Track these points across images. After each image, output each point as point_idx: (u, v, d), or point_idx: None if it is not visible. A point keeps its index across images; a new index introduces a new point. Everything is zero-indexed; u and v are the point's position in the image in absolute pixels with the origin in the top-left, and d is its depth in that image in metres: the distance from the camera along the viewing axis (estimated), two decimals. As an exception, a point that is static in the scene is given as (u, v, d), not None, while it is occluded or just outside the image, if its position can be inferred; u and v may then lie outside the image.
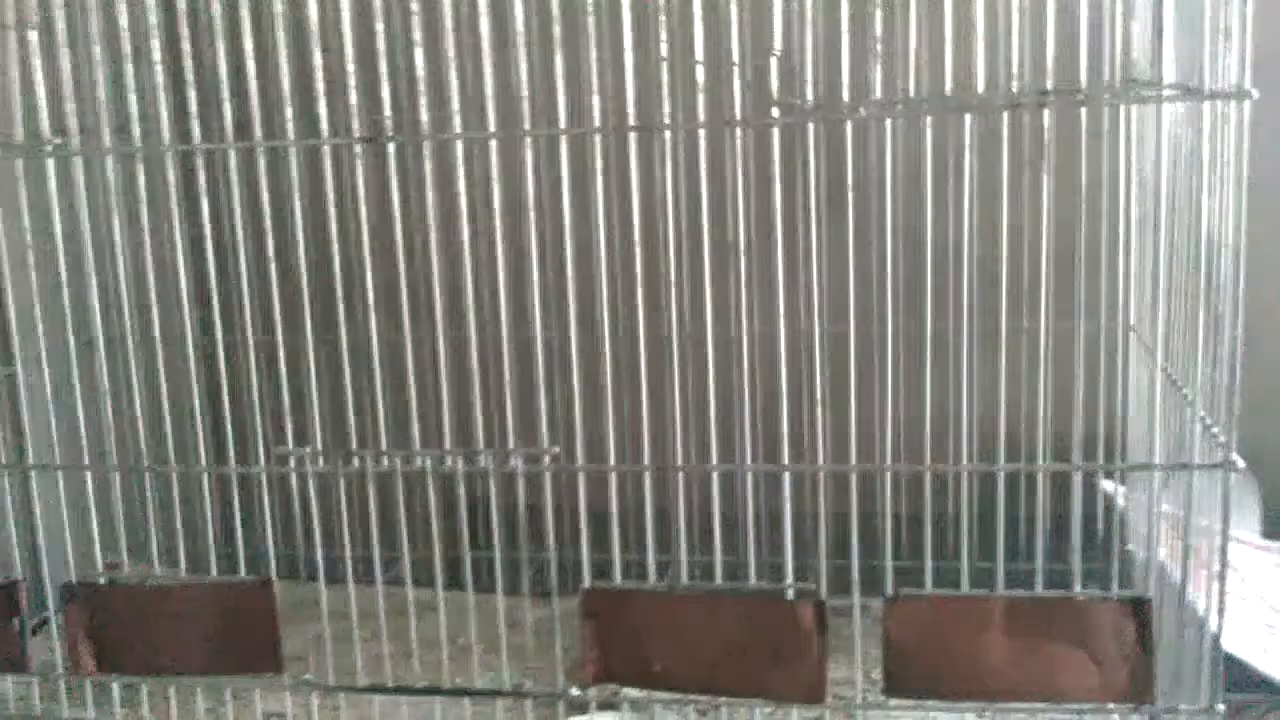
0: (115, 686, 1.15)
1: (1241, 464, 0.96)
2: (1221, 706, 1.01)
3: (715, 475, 1.03)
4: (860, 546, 1.02)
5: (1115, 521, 1.35)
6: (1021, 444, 1.17)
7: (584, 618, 1.04)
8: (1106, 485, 1.44)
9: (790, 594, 1.02)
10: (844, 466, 1.02)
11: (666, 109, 0.97)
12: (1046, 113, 0.91)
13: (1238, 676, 1.23)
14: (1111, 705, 1.00)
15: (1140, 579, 1.14)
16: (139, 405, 1.11)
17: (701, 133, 0.98)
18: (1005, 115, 1.05)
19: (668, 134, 0.97)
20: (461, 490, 1.07)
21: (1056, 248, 1.00)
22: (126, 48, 1.04)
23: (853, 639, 1.04)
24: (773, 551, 1.07)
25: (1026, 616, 0.99)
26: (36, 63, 1.05)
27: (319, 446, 1.06)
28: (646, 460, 1.03)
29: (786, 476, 1.02)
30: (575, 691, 1.07)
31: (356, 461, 1.05)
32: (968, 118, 0.93)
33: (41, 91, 1.04)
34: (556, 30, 0.99)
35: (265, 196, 1.05)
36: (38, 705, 1.17)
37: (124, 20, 1.05)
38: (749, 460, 1.02)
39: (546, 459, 1.04)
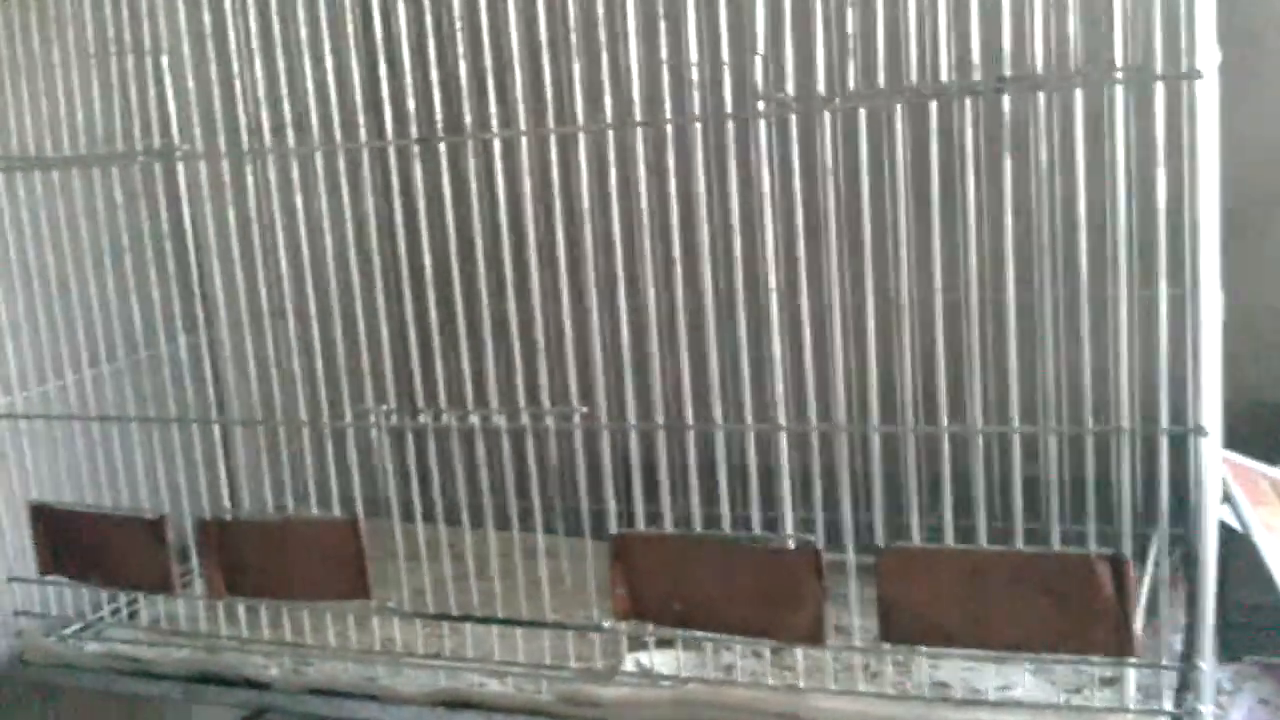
0: (241, 607, 1.36)
1: (1210, 430, 0.99)
2: (1204, 664, 1.05)
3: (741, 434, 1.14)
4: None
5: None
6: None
7: (612, 559, 1.17)
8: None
9: (791, 544, 1.11)
10: (816, 425, 1.11)
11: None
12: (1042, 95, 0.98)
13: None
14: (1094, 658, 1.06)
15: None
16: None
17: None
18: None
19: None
20: (523, 446, 1.22)
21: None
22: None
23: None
24: (806, 507, 1.17)
25: (1006, 570, 1.05)
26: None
27: (392, 404, 1.23)
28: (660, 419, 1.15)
29: (783, 436, 1.11)
30: (607, 625, 1.20)
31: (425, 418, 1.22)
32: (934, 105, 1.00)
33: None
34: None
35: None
36: (182, 620, 1.39)
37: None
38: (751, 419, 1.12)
39: (577, 417, 1.17)
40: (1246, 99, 1.33)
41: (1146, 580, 1.17)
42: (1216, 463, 1.05)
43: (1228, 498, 1.45)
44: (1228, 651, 1.35)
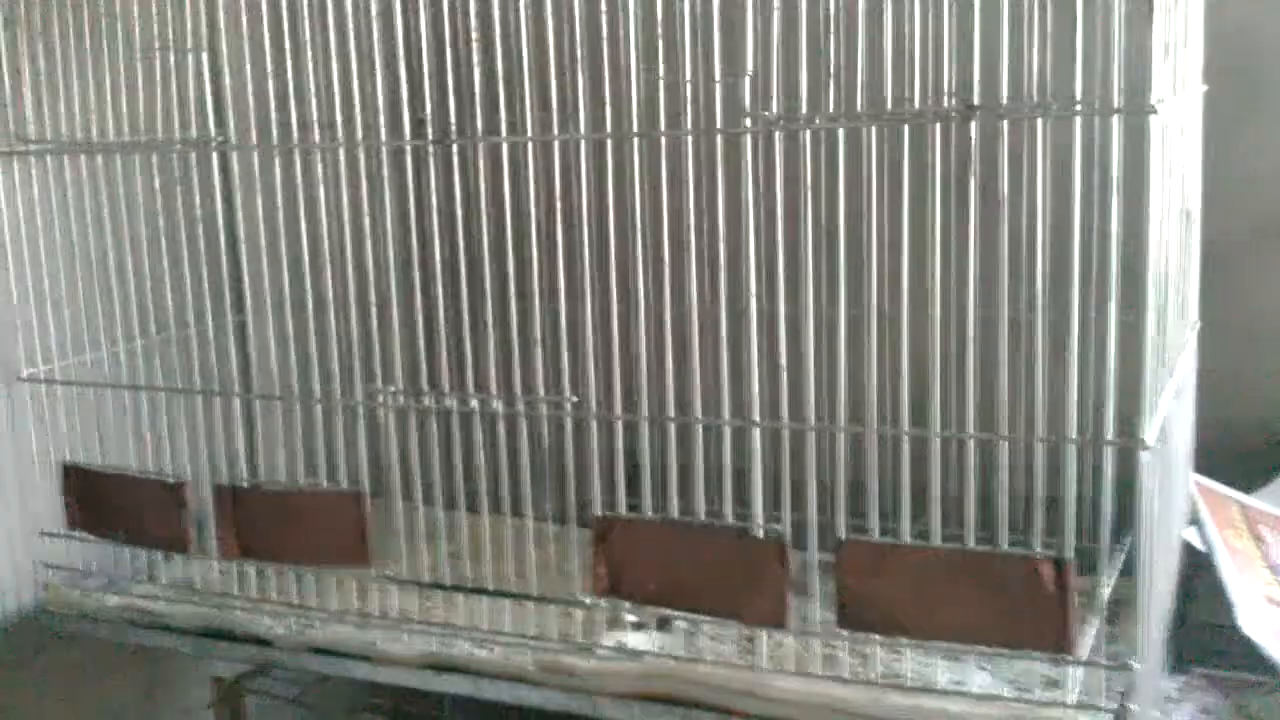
0: (252, 571, 1.45)
1: (1151, 442, 1.06)
2: (1138, 665, 1.11)
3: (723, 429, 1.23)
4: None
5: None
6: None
7: (594, 540, 1.25)
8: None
9: (760, 534, 1.19)
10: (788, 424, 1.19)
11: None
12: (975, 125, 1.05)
13: (1255, 657, 1.31)
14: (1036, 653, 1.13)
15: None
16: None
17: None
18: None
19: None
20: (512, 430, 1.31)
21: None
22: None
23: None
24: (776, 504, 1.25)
25: (956, 566, 1.12)
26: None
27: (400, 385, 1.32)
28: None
29: (756, 433, 1.20)
30: (587, 600, 1.28)
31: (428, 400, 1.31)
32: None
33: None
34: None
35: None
36: (197, 580, 1.48)
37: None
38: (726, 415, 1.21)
39: (568, 405, 1.25)
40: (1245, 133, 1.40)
41: (1108, 589, 1.24)
42: (1156, 475, 1.11)
43: (1196, 520, 1.52)
44: (1181, 663, 1.41)
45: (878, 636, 1.17)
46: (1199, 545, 1.47)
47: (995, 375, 1.14)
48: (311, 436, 1.40)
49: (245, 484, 1.41)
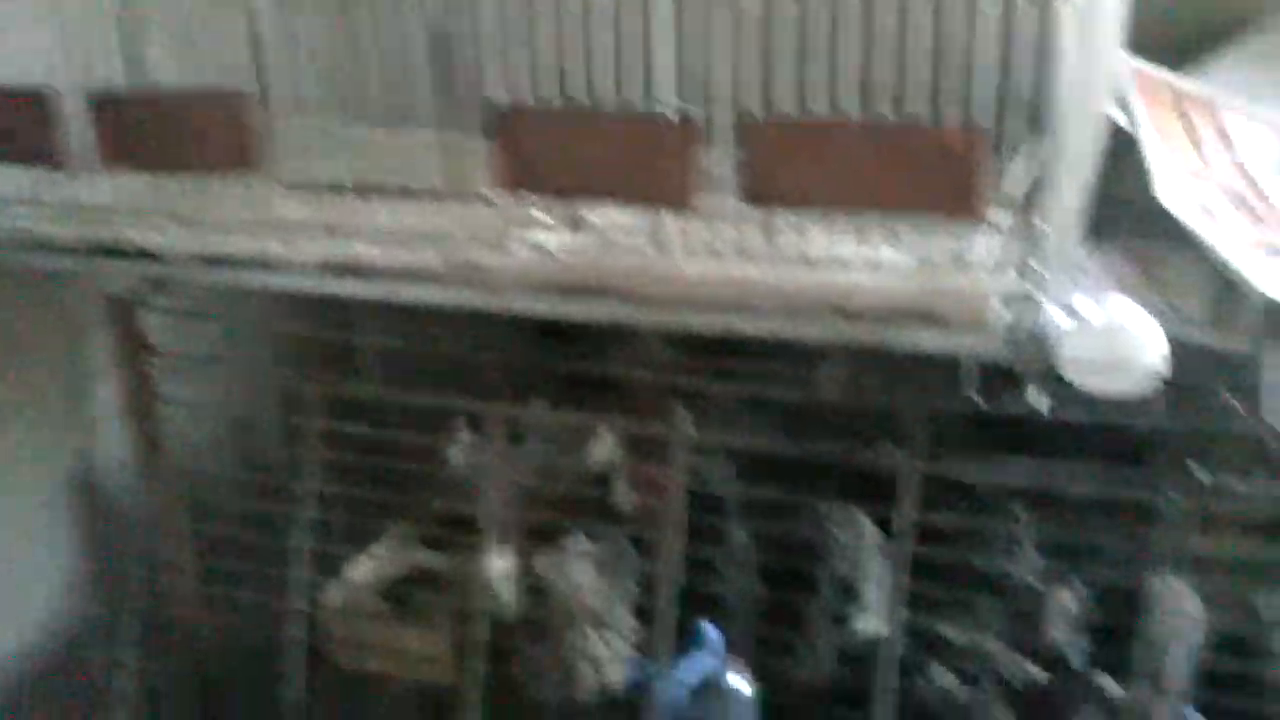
0: (140, 185, 1.37)
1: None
2: (1046, 228, 1.09)
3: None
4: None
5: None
6: None
7: (496, 132, 1.18)
8: None
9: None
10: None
11: None
12: None
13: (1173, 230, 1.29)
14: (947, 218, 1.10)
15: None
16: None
17: None
18: None
19: None
20: None
21: None
22: None
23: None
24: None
25: (868, 136, 1.08)
26: None
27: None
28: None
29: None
30: (494, 197, 1.22)
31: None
32: None
33: None
34: None
35: None
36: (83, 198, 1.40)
37: None
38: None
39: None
40: None
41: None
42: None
43: (1124, 102, 1.48)
44: (1098, 238, 1.40)
45: (785, 212, 1.13)
46: (1124, 125, 1.44)
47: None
48: (187, 30, 1.30)
49: (121, 90, 1.31)
